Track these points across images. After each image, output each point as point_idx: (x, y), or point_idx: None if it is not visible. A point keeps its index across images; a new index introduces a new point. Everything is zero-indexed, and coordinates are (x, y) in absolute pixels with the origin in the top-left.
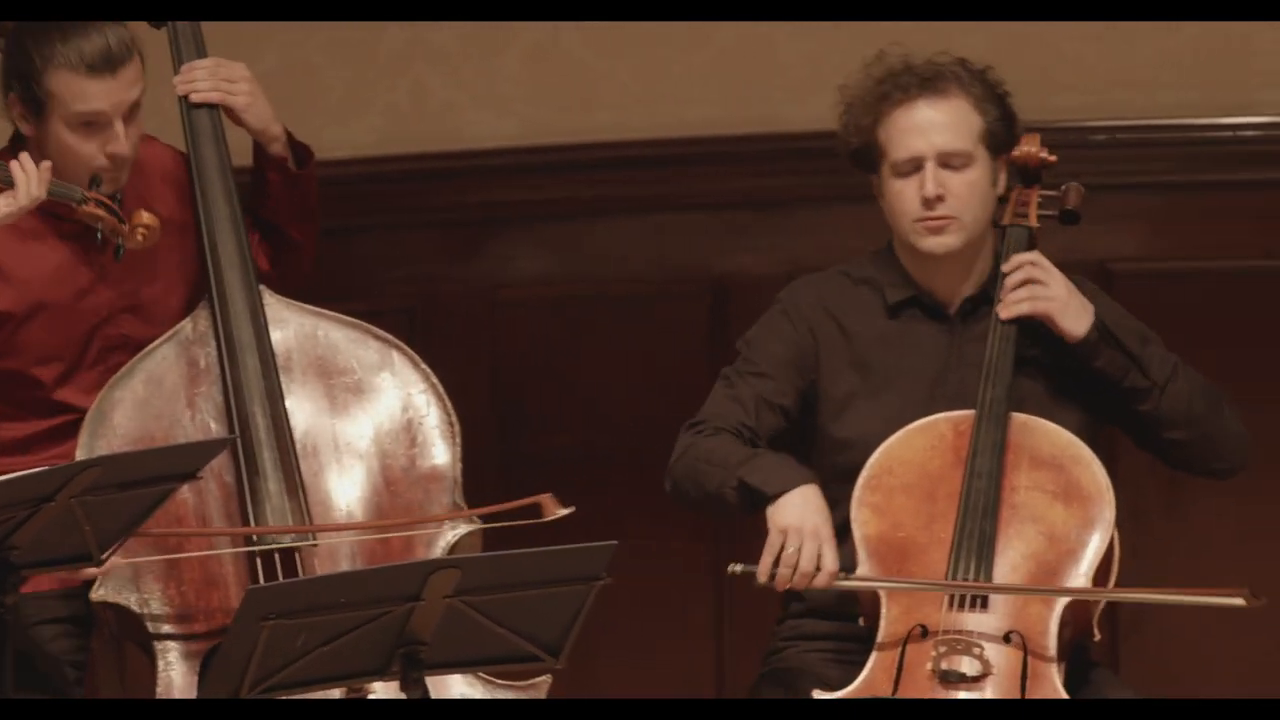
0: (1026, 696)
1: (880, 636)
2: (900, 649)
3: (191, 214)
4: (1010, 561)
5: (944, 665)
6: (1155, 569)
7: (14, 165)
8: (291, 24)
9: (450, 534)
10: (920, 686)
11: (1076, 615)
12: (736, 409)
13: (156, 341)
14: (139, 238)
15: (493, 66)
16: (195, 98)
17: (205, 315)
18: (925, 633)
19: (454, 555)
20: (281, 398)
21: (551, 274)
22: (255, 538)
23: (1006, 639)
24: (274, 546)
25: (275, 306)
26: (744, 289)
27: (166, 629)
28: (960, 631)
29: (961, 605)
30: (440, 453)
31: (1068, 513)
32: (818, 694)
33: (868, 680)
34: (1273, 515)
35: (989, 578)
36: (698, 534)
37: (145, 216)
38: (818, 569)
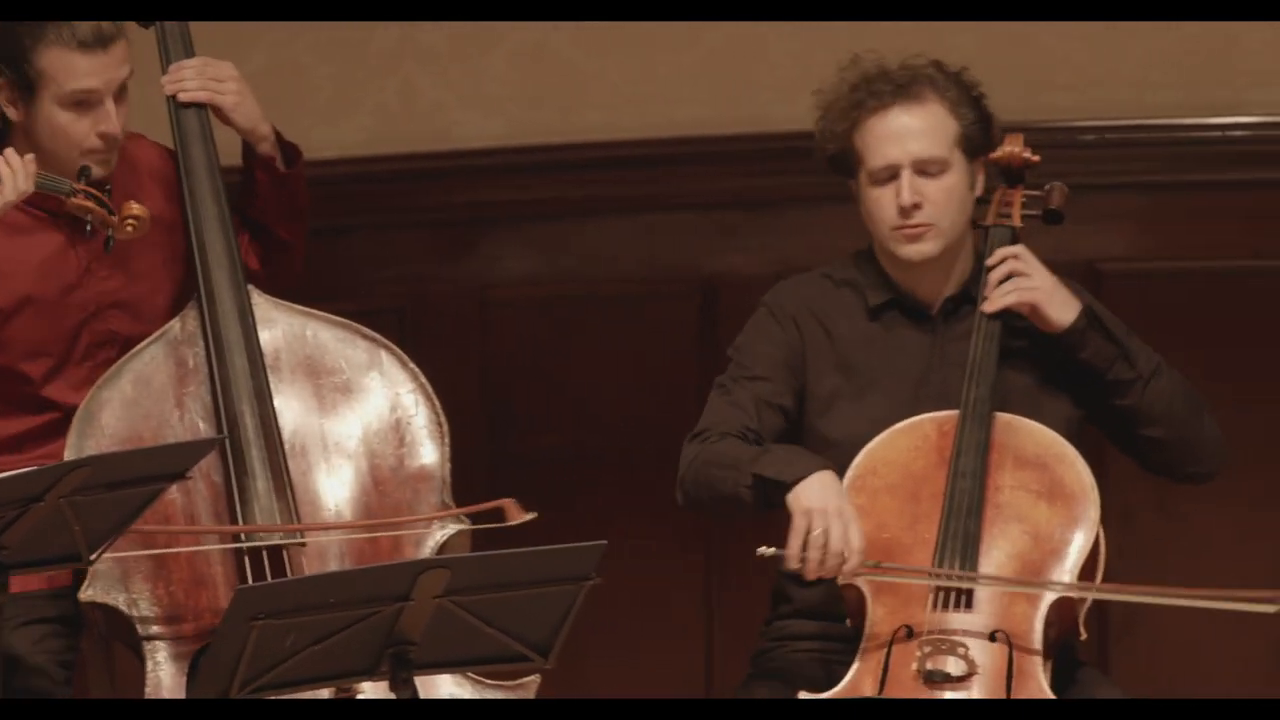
0: (1012, 696)
1: (866, 637)
2: (886, 650)
3: (179, 211)
4: (995, 561)
5: (929, 665)
6: (1145, 569)
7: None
8: (280, 24)
9: (439, 534)
10: (906, 687)
11: (1062, 614)
12: (738, 414)
13: (145, 342)
14: (129, 228)
15: (481, 67)
16: (183, 97)
17: (193, 315)
18: (911, 633)
19: (443, 555)
20: (270, 397)
21: (541, 274)
22: (244, 536)
23: (992, 638)
24: (262, 544)
25: (263, 306)
26: (733, 289)
27: (155, 629)
28: (945, 631)
29: (946, 605)
30: (428, 452)
31: (1052, 511)
32: (804, 695)
33: (853, 681)
34: (1262, 515)
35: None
36: (687, 534)
37: (135, 207)
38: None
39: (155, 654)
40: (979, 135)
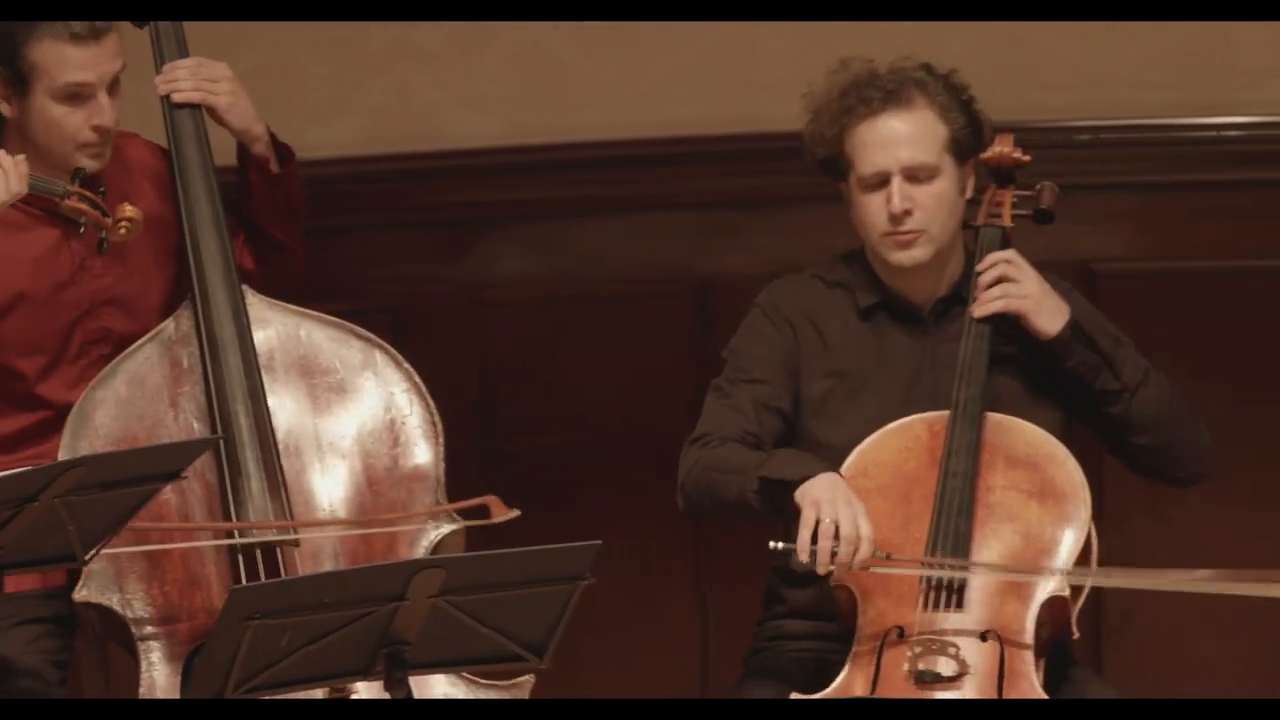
0: (1004, 696)
1: (857, 638)
2: (877, 650)
3: (172, 209)
4: (986, 560)
5: (920, 666)
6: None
7: None
8: (274, 24)
9: (433, 534)
10: (897, 687)
11: (1054, 614)
12: (737, 418)
13: (139, 341)
14: (122, 231)
15: (476, 66)
16: (177, 97)
17: (188, 315)
18: (902, 634)
19: (438, 555)
20: (264, 397)
21: (535, 274)
22: (237, 534)
23: (983, 638)
24: (255, 540)
25: (258, 306)
26: (728, 289)
27: (149, 629)
28: (936, 631)
29: (937, 605)
30: (423, 452)
31: (1043, 510)
32: (797, 696)
33: (845, 682)
34: (1258, 516)
35: (964, 579)
36: (681, 534)
37: (129, 210)
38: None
39: (150, 654)
40: (969, 139)
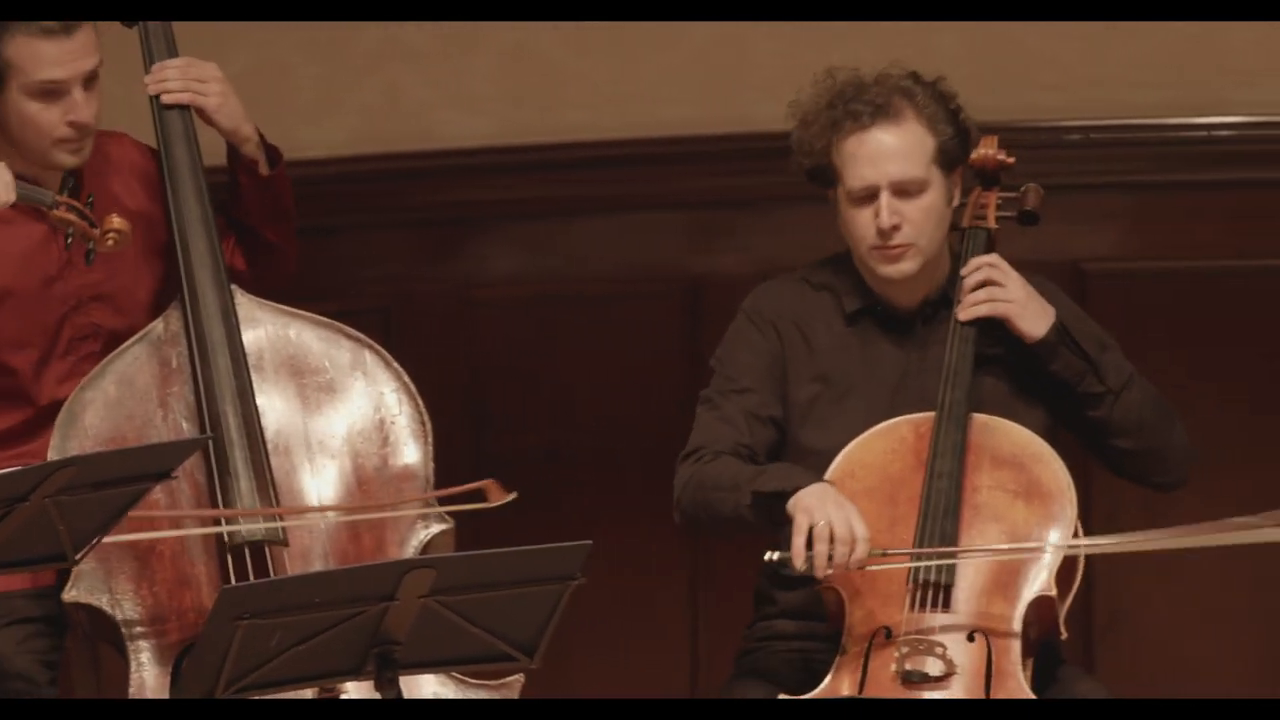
0: (992, 695)
1: (845, 638)
2: (865, 651)
3: (161, 207)
4: (973, 562)
5: (908, 666)
6: (1130, 569)
7: None
8: (264, 24)
9: (423, 534)
10: (885, 688)
11: (1041, 614)
12: (729, 430)
13: (128, 342)
14: (110, 242)
15: (466, 66)
16: (166, 98)
17: (177, 315)
18: (889, 634)
19: (428, 555)
20: (253, 397)
21: (525, 273)
22: (224, 522)
23: (970, 638)
24: (244, 539)
25: (247, 306)
26: (718, 289)
27: (139, 629)
28: (923, 631)
29: (924, 605)
30: (412, 452)
31: (1029, 511)
32: (785, 697)
33: (833, 683)
34: (1244, 514)
35: (951, 578)
36: (671, 535)
37: (116, 221)
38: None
39: (139, 654)
40: (956, 149)
